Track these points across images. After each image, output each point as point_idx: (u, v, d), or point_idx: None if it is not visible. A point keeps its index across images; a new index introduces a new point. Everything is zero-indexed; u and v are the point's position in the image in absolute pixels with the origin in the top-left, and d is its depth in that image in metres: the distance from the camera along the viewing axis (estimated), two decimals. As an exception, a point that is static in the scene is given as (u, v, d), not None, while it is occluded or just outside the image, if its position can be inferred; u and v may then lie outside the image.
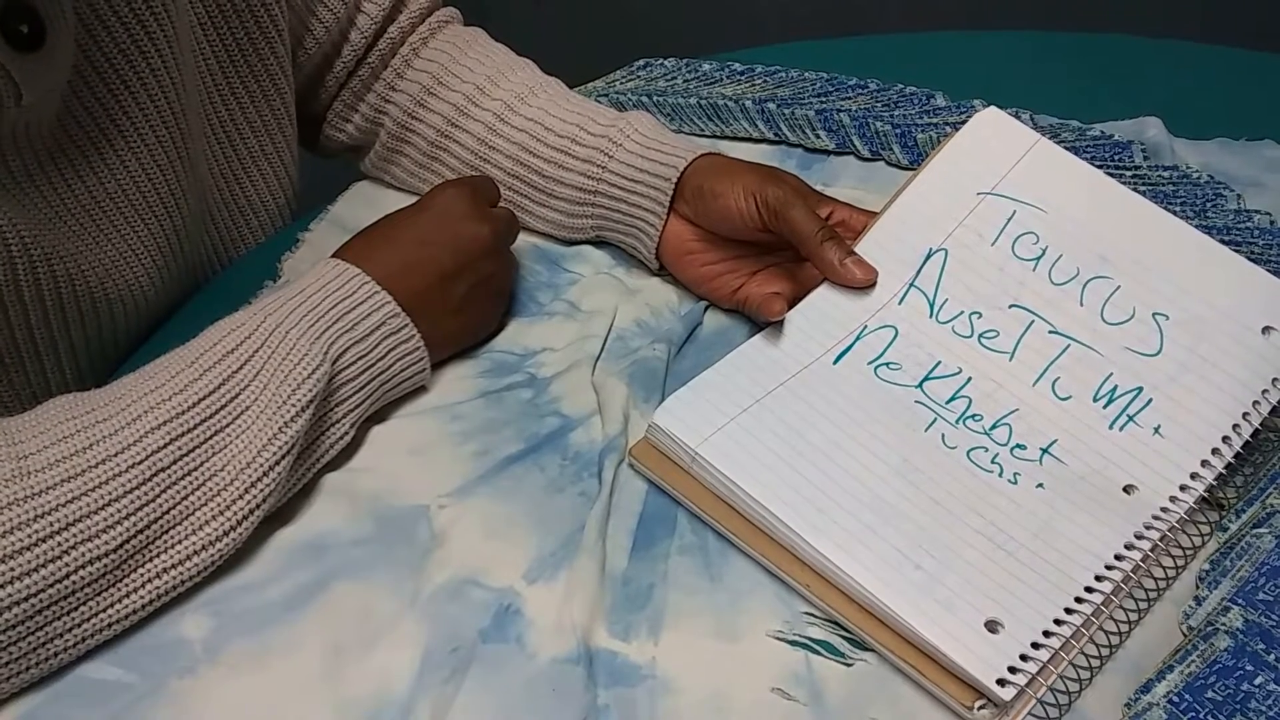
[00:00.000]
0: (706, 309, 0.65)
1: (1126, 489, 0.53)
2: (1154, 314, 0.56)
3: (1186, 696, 0.46)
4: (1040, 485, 0.53)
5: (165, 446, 0.49)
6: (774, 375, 0.57)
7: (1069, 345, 0.57)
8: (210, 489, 0.50)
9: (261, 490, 0.51)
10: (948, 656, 0.47)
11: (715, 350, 0.61)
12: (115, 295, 0.63)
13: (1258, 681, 0.46)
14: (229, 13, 0.66)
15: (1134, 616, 0.50)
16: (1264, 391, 0.54)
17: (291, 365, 0.52)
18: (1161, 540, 0.51)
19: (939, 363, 0.57)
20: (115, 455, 0.48)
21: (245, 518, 0.51)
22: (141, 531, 0.48)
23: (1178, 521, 0.52)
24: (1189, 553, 0.52)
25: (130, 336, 0.67)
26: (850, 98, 0.78)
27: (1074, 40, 0.85)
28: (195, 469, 0.50)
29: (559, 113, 0.68)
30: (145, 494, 0.48)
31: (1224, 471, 0.53)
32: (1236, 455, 0.53)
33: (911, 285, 0.59)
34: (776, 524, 0.51)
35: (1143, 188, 0.69)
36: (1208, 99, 0.78)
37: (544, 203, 0.68)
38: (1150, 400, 0.55)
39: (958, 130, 0.62)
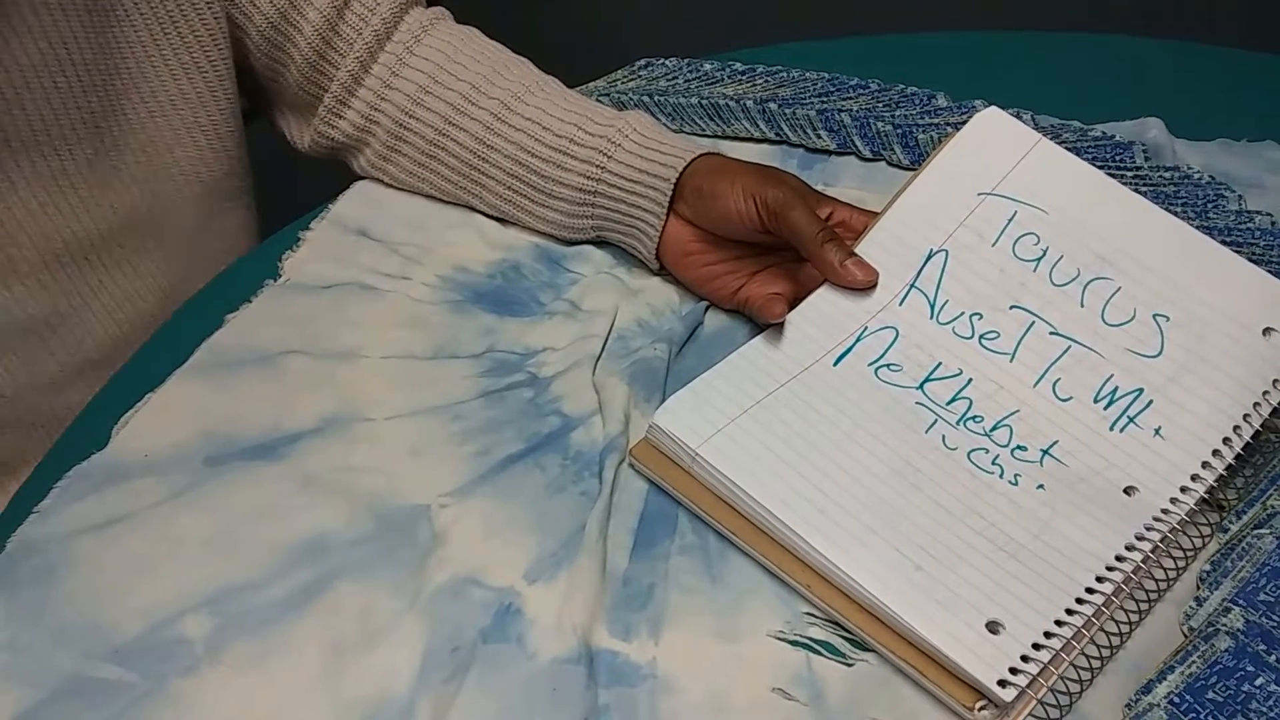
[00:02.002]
0: (707, 309, 0.65)
1: (1127, 490, 0.53)
2: (1155, 315, 0.56)
3: (1187, 697, 0.46)
4: (1041, 486, 0.53)
5: None
6: (775, 376, 0.57)
7: (1070, 346, 0.57)
8: None
9: None
10: (948, 657, 0.47)
11: (716, 350, 0.61)
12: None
13: (1258, 682, 0.46)
14: None
15: (1135, 617, 0.50)
16: (1265, 393, 0.54)
17: None
18: (1162, 541, 0.51)
19: (939, 364, 0.57)
20: None
21: None
22: None
23: (1178, 523, 0.52)
24: (1190, 554, 0.52)
25: (21, 264, 0.68)
26: (852, 98, 0.78)
27: (1074, 40, 0.85)
28: None
29: (557, 112, 0.68)
30: None
31: (1225, 473, 0.53)
32: (1237, 456, 0.53)
33: (912, 286, 0.59)
34: (777, 525, 0.51)
35: (1144, 188, 0.69)
36: (1209, 100, 0.78)
37: (544, 203, 0.68)
38: (1151, 402, 0.55)
39: (959, 130, 0.62)
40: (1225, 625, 0.48)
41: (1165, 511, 0.52)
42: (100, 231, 0.71)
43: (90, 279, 0.71)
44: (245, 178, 0.79)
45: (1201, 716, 0.45)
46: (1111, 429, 0.54)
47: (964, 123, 0.62)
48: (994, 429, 0.55)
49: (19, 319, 0.69)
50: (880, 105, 0.77)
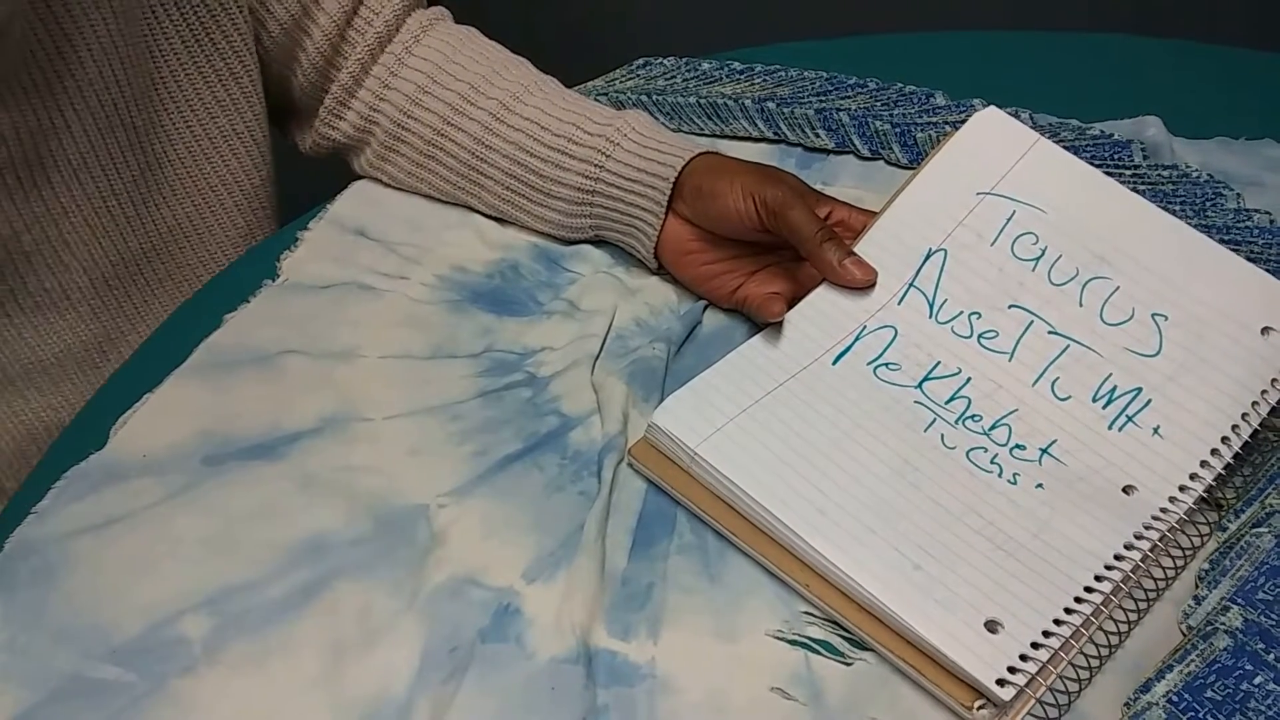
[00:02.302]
0: (706, 308, 0.65)
1: (1126, 489, 0.53)
2: (1153, 314, 0.56)
3: (1186, 696, 0.46)
4: (1040, 485, 0.53)
5: None
6: (773, 375, 0.57)
7: (1068, 345, 0.57)
8: None
9: None
10: (947, 656, 0.47)
11: (715, 350, 0.61)
12: (29, 241, 0.66)
13: (1257, 681, 0.46)
14: None
15: (1133, 616, 0.50)
16: (1263, 392, 0.54)
17: None
18: (1161, 540, 0.51)
19: (938, 363, 0.57)
20: None
21: None
22: None
23: (1177, 522, 0.52)
24: (1188, 553, 0.52)
25: (61, 287, 0.69)
26: (850, 96, 0.78)
27: (1074, 40, 0.85)
28: None
29: (555, 111, 0.68)
30: None
31: (1223, 472, 0.53)
32: (1235, 455, 0.53)
33: (911, 285, 0.59)
34: (776, 524, 0.51)
35: (1142, 187, 0.69)
36: (1207, 98, 0.78)
37: (542, 202, 0.68)
38: (1149, 401, 0.55)
39: (957, 129, 0.62)
40: (1224, 624, 0.48)
41: (1164, 510, 0.52)
42: (145, 250, 0.72)
43: (136, 299, 0.72)
44: (272, 184, 0.79)
45: (1200, 715, 0.45)
46: (1110, 428, 0.54)
47: (962, 121, 0.62)
48: (993, 428, 0.55)
49: (73, 346, 0.70)
50: (878, 104, 0.77)
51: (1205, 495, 0.53)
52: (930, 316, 0.59)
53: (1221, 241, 0.58)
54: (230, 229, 0.75)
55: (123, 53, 0.66)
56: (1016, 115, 0.74)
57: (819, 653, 0.50)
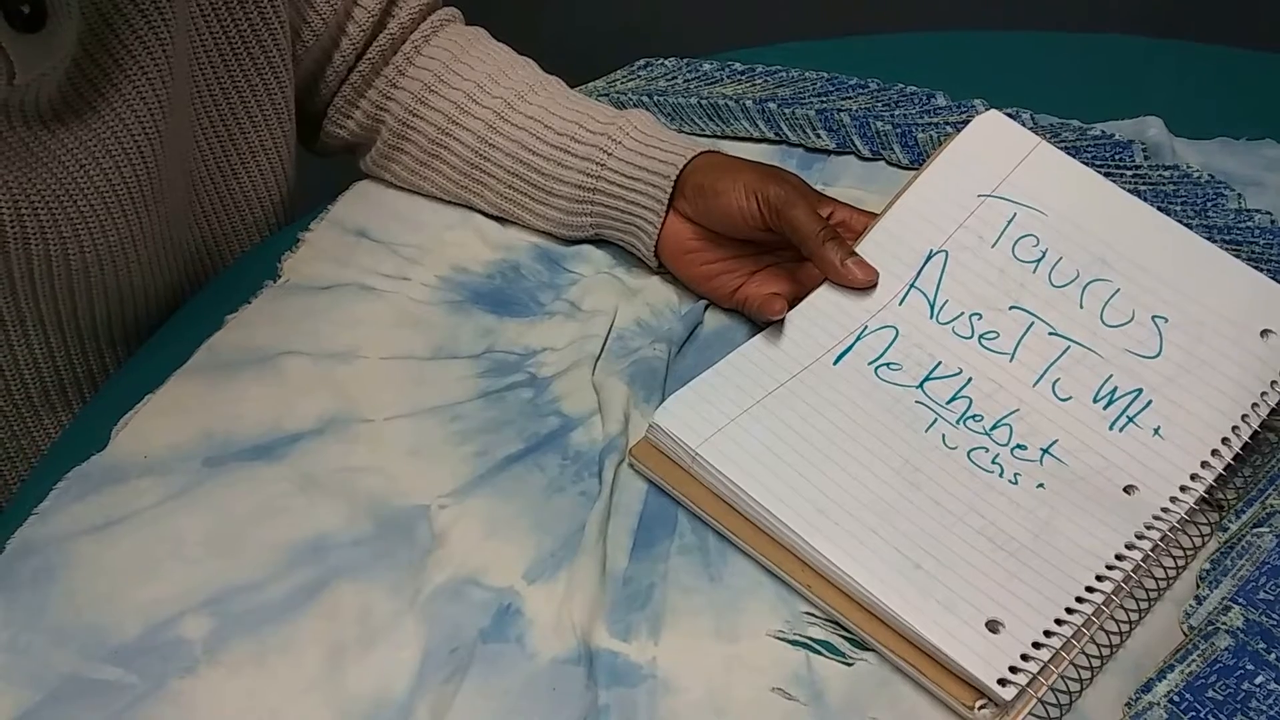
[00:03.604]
0: (707, 308, 0.65)
1: (1127, 489, 0.53)
2: (1153, 316, 0.56)
3: (1187, 696, 0.46)
4: (1041, 485, 0.53)
5: None
6: (774, 375, 0.57)
7: (1069, 347, 0.57)
8: None
9: None
10: (948, 656, 0.47)
11: (716, 350, 0.61)
12: (96, 275, 0.64)
13: (1258, 681, 0.46)
14: (232, 4, 0.66)
15: (1135, 616, 0.50)
16: (1262, 394, 0.54)
17: None
18: (1162, 540, 0.51)
19: (939, 363, 0.57)
20: None
21: None
22: None
23: (1178, 522, 0.52)
24: (1189, 553, 0.52)
25: (115, 319, 0.68)
26: (851, 97, 0.78)
27: (1074, 40, 0.85)
28: None
29: (558, 110, 0.68)
30: None
31: (1224, 472, 0.53)
32: (1236, 457, 0.53)
33: (912, 286, 0.59)
34: (777, 524, 0.51)
35: (1143, 187, 0.69)
36: (1208, 99, 0.78)
37: (544, 201, 0.68)
38: (1150, 402, 0.55)
39: (959, 132, 0.62)
40: (1225, 624, 0.48)
41: (1165, 510, 0.52)
42: (180, 279, 0.71)
43: (174, 338, 0.71)
44: (290, 201, 0.77)
45: (1202, 715, 0.45)
46: (1111, 428, 0.54)
47: (963, 122, 0.62)
48: (994, 428, 0.55)
49: (96, 375, 0.69)
50: (879, 105, 0.77)
51: (1206, 496, 0.53)
52: (931, 317, 0.59)
53: (1222, 242, 0.58)
54: (246, 246, 0.74)
55: (177, 74, 0.64)
56: (1017, 116, 0.74)
57: (820, 653, 0.50)
